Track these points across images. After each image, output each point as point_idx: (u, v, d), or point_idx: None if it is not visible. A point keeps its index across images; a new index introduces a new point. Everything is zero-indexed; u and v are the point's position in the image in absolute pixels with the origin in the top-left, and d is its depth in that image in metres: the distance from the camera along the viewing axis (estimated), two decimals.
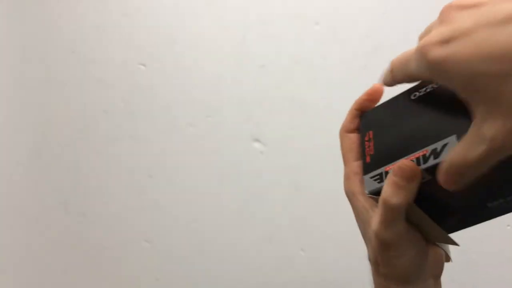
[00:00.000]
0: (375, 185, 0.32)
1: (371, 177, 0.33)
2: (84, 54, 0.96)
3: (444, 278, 0.91)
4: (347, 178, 0.36)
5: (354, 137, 0.37)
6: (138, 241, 0.99)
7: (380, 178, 0.32)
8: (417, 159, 0.29)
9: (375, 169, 0.33)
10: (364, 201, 0.34)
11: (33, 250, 1.06)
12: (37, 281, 1.06)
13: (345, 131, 0.37)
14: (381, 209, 0.31)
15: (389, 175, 0.31)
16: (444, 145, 0.28)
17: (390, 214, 0.31)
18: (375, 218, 0.32)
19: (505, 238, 0.89)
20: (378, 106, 0.36)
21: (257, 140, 0.90)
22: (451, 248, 0.37)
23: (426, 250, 0.35)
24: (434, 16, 0.81)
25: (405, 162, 0.30)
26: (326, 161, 0.92)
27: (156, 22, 0.93)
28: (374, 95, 0.37)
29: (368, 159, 0.34)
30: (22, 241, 1.06)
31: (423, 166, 0.29)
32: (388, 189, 0.30)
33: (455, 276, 0.91)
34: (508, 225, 0.89)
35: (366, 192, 0.33)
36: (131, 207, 0.99)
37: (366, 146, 0.34)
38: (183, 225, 0.97)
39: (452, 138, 0.27)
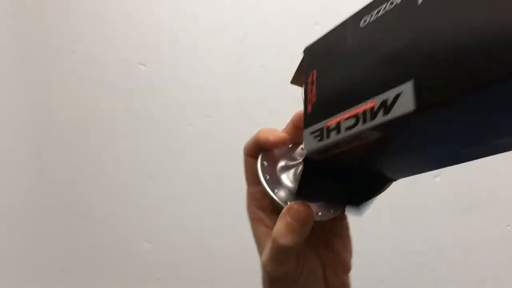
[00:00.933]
0: (314, 143, 0.25)
1: (311, 133, 0.25)
2: (84, 54, 0.96)
3: (445, 278, 0.91)
4: (247, 201, 0.36)
5: (253, 162, 0.34)
6: (138, 241, 0.99)
7: (321, 135, 0.24)
8: (363, 113, 0.22)
9: (315, 122, 0.25)
10: (258, 229, 0.34)
11: (33, 250, 1.06)
12: (37, 281, 1.06)
13: (246, 154, 0.35)
14: (271, 245, 0.30)
15: (283, 214, 0.29)
16: (398, 95, 0.20)
17: (280, 253, 0.29)
18: (266, 250, 0.31)
19: (505, 238, 0.89)
20: (325, 35, 0.28)
21: None
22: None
23: (321, 280, 0.33)
24: None
25: (300, 207, 0.28)
26: None
27: (156, 22, 0.93)
28: (277, 143, 0.33)
29: (309, 109, 0.27)
30: (22, 241, 1.06)
31: (368, 125, 0.21)
32: (280, 229, 0.29)
33: (456, 275, 0.91)
34: (508, 225, 0.89)
35: (305, 150, 0.26)
36: (131, 207, 0.99)
37: (309, 91, 0.27)
38: (183, 225, 0.97)
39: (408, 86, 0.20)
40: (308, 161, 0.26)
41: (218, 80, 0.91)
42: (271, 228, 0.31)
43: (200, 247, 0.97)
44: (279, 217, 0.29)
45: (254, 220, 0.35)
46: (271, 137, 0.32)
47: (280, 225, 0.29)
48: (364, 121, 0.22)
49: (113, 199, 1.00)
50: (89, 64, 0.96)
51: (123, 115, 0.96)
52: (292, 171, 0.33)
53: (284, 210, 0.29)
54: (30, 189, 1.04)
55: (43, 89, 1.00)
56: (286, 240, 0.29)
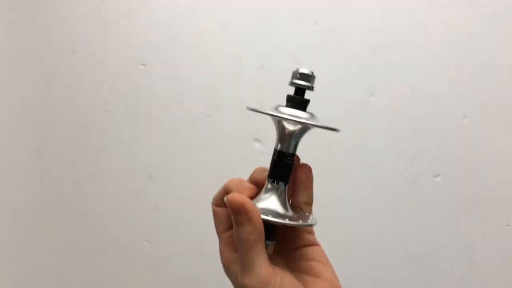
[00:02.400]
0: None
1: None
2: (84, 54, 0.96)
3: (445, 278, 0.91)
4: (220, 251, 0.37)
5: (222, 210, 0.37)
6: (138, 241, 0.99)
7: None
8: None
9: None
10: (236, 272, 0.34)
11: (33, 250, 1.06)
12: (37, 280, 1.06)
13: (214, 204, 0.38)
14: (239, 252, 0.31)
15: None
16: None
17: (247, 254, 0.31)
18: (238, 271, 0.32)
19: (505, 238, 0.89)
20: None
21: (257, 140, 0.90)
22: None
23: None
24: (433, 16, 0.81)
25: (229, 197, 0.30)
26: (325, 161, 0.92)
27: (156, 22, 0.93)
28: (247, 191, 0.36)
29: None
30: (22, 241, 1.06)
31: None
32: (234, 231, 0.31)
33: (456, 275, 0.91)
34: (508, 225, 0.89)
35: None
36: (131, 207, 0.99)
37: None
38: (183, 225, 0.97)
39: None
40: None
41: (218, 80, 0.91)
42: None
43: (200, 247, 0.97)
44: None
45: (230, 265, 0.36)
46: (241, 187, 0.36)
47: (234, 228, 0.31)
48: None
49: (113, 199, 1.00)
50: (89, 64, 0.96)
51: (123, 115, 0.96)
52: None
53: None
54: (30, 189, 1.04)
55: (43, 89, 1.00)
56: (242, 234, 0.30)
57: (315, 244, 0.37)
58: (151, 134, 0.96)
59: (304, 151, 0.99)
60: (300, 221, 0.34)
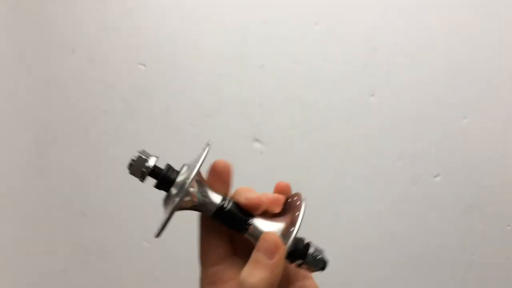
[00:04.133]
0: None
1: None
2: (84, 54, 0.96)
3: (445, 278, 0.92)
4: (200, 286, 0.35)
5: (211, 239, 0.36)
6: (138, 241, 0.99)
7: None
8: None
9: None
10: None
11: (33, 250, 1.06)
12: (37, 280, 1.06)
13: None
14: None
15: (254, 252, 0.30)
16: None
17: None
18: None
19: (505, 238, 0.89)
20: None
21: (257, 140, 0.90)
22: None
23: None
24: (433, 16, 0.82)
25: (267, 236, 0.30)
26: (326, 160, 0.92)
27: (156, 22, 0.93)
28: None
29: None
30: (22, 241, 1.06)
31: None
32: (247, 267, 0.28)
33: (456, 275, 0.91)
34: (508, 225, 0.89)
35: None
36: (131, 207, 0.99)
37: None
38: (183, 225, 0.97)
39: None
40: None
41: (218, 80, 0.91)
42: None
43: None
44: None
45: None
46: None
47: (249, 263, 0.28)
48: None
49: (113, 199, 1.00)
50: (89, 64, 0.96)
51: (123, 115, 0.96)
52: None
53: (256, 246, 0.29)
54: (29, 189, 1.04)
55: (43, 89, 1.00)
56: (252, 278, 0.27)
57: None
58: (151, 134, 0.96)
59: (304, 151, 1.00)
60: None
